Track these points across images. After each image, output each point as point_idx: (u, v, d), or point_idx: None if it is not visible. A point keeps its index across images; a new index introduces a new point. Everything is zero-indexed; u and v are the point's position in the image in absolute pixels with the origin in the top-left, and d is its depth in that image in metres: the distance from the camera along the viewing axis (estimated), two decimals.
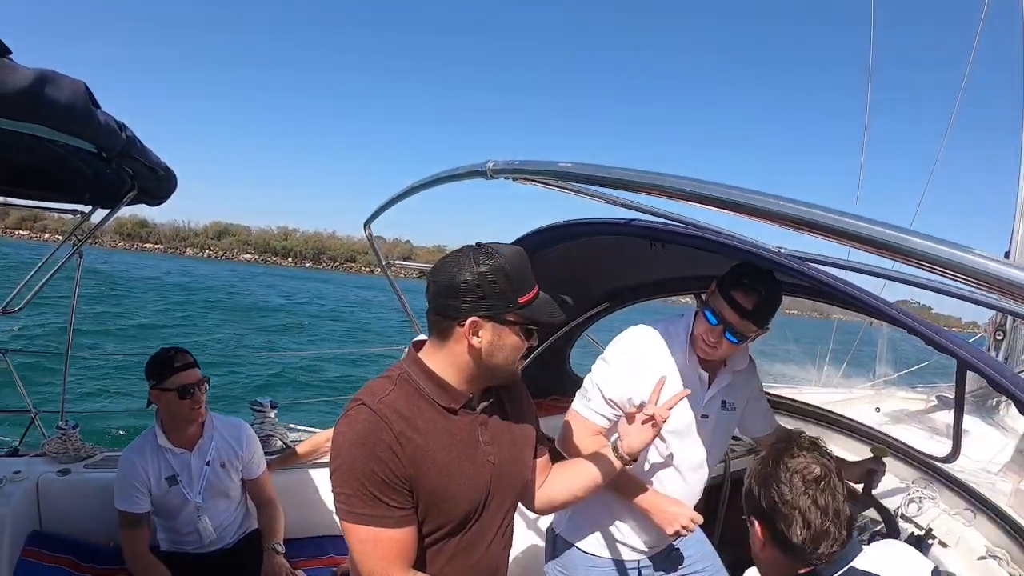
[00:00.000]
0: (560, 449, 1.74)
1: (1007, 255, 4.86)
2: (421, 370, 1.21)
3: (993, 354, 4.64)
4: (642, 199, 1.42)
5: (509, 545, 1.40)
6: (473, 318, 1.14)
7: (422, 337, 1.32)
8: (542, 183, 1.34)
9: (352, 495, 1.11)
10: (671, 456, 1.74)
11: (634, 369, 1.67)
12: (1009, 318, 4.58)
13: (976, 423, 3.82)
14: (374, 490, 1.11)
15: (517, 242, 2.03)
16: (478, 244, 1.18)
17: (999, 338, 4.68)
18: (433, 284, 1.16)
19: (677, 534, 1.62)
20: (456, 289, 1.13)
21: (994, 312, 4.43)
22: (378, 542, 1.12)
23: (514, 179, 1.37)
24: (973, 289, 0.76)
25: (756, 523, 1.29)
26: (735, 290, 1.55)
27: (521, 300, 1.15)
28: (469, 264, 1.12)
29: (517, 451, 1.34)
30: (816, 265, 1.45)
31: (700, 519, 1.63)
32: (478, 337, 1.15)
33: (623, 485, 1.68)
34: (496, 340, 1.17)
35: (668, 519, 1.62)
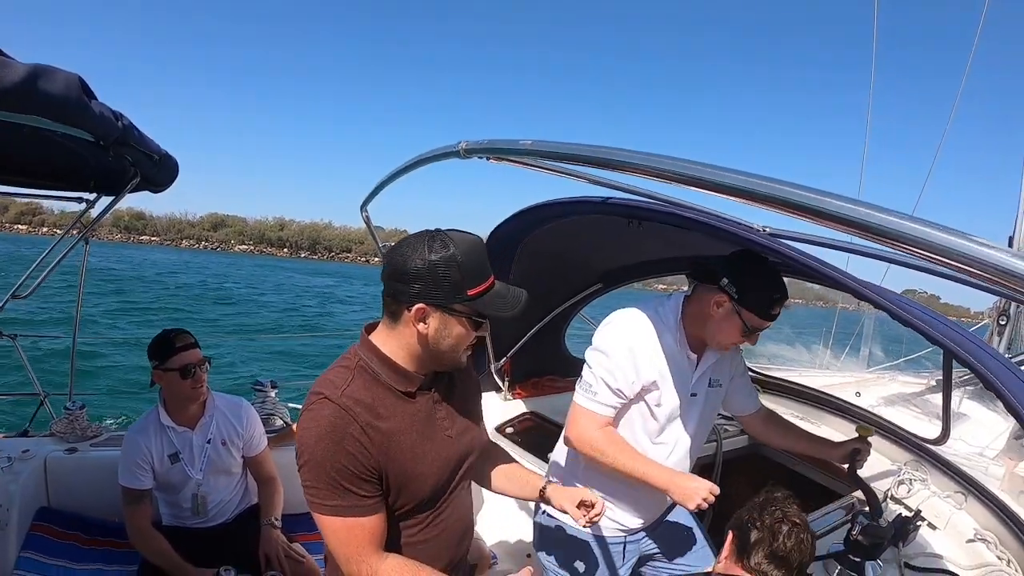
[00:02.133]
0: (569, 440, 1.75)
1: (1010, 242, 4.81)
2: (376, 356, 1.20)
3: (996, 339, 4.61)
4: (620, 178, 1.44)
5: (472, 501, 1.45)
6: (420, 305, 1.13)
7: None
8: (512, 161, 1.36)
9: (322, 488, 1.12)
10: (662, 435, 1.77)
11: (633, 356, 1.68)
12: (1013, 304, 4.54)
13: (976, 408, 3.81)
14: (345, 483, 1.12)
15: (498, 227, 2.04)
16: (436, 230, 1.15)
17: (1002, 323, 4.64)
18: (387, 265, 1.16)
19: (698, 507, 1.61)
20: (406, 274, 1.12)
21: (997, 297, 4.40)
22: (351, 530, 1.15)
23: (487, 158, 1.39)
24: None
25: (730, 533, 1.42)
26: (766, 305, 1.60)
27: (471, 292, 1.14)
28: (422, 251, 1.11)
29: (472, 420, 1.38)
30: (801, 244, 1.46)
31: (718, 490, 1.60)
32: (425, 324, 1.15)
33: (635, 463, 1.67)
34: (443, 328, 1.17)
35: (688, 494, 1.59)
